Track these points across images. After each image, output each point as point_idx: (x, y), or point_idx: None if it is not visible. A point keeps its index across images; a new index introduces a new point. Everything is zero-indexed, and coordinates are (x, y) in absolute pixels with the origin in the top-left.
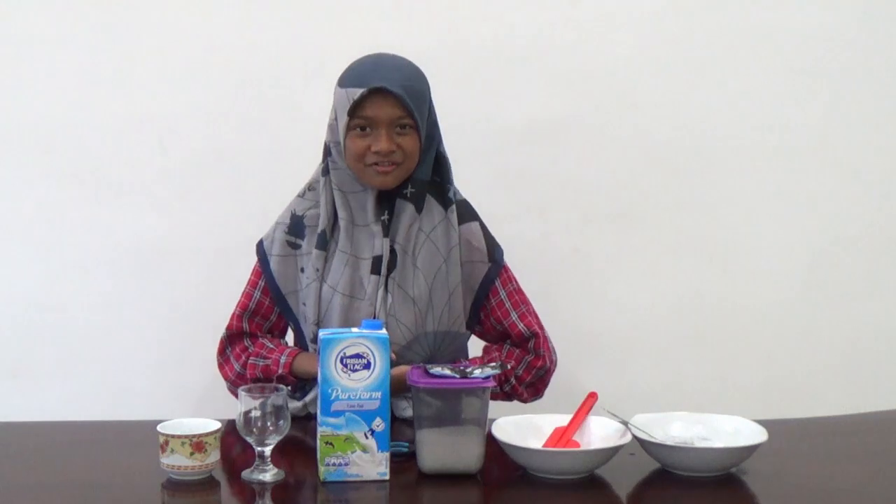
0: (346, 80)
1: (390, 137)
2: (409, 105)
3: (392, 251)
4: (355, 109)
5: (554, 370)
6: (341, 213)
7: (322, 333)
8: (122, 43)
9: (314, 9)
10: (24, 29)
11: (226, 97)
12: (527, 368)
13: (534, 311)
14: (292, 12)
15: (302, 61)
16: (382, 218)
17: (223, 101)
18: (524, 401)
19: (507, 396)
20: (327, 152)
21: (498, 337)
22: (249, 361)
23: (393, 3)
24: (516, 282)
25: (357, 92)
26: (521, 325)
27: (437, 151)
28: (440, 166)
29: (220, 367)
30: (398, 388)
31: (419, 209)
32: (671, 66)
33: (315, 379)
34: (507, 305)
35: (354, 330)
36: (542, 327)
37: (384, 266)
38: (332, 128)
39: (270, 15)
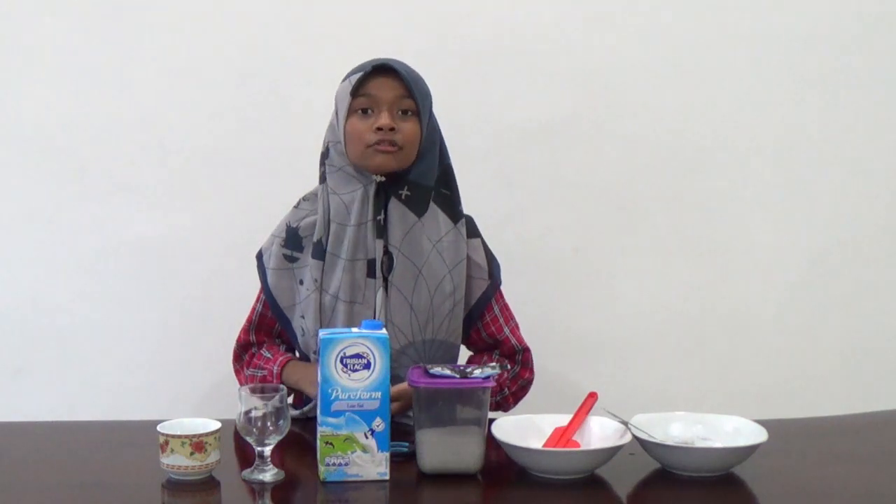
0: (350, 73)
1: (392, 116)
2: (411, 87)
3: (388, 253)
4: (358, 89)
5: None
6: (334, 217)
7: (322, 333)
8: (122, 43)
9: (314, 9)
10: (24, 29)
11: (226, 97)
12: (514, 379)
13: (518, 325)
14: (292, 12)
15: (301, 61)
16: (378, 217)
17: (223, 101)
18: (506, 410)
19: (497, 406)
20: (324, 158)
21: (485, 348)
22: (248, 373)
23: (393, 3)
24: (504, 297)
25: (360, 74)
26: (513, 340)
27: (445, 164)
28: (448, 180)
29: (236, 374)
30: (402, 409)
31: (419, 214)
32: (671, 67)
33: (304, 393)
34: (500, 321)
35: (354, 330)
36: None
37: (378, 268)
38: (332, 126)
39: (270, 15)
